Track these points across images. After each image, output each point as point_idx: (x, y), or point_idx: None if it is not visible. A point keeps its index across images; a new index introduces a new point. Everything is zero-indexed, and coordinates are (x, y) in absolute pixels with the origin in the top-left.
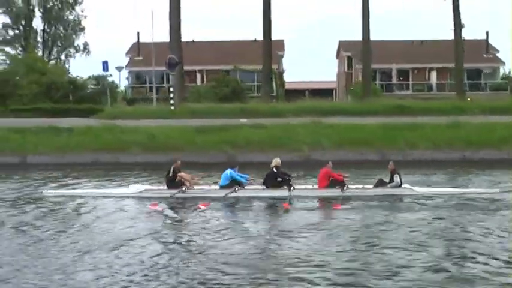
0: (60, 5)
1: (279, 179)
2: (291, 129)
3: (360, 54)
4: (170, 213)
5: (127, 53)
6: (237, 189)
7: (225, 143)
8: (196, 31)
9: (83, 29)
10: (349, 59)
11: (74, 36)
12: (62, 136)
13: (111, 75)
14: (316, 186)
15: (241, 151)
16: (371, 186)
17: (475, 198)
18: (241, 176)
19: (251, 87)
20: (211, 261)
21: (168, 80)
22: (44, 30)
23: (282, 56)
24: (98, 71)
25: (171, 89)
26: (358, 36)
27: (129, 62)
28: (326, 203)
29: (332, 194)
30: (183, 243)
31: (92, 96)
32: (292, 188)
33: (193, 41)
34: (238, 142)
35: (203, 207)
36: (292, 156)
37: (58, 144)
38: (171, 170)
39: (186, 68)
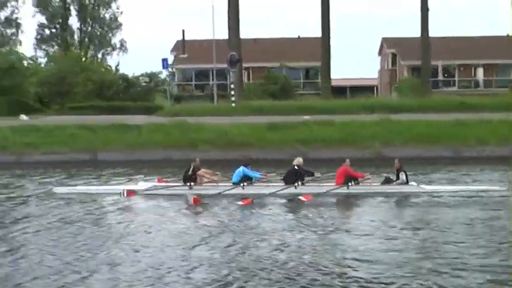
0: (95, 3)
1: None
2: (360, 126)
3: (405, 50)
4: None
5: (172, 50)
6: (243, 185)
7: (295, 140)
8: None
9: (119, 26)
10: (394, 55)
11: (110, 34)
12: (131, 133)
13: (173, 71)
14: (333, 183)
15: (311, 148)
16: (378, 184)
17: (485, 197)
18: (253, 174)
19: (298, 84)
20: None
21: (213, 78)
22: (80, 29)
23: None
24: (136, 68)
25: (232, 86)
26: (401, 34)
27: (174, 59)
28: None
29: (337, 191)
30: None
31: (144, 94)
32: (298, 184)
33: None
34: (308, 139)
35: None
36: (363, 153)
37: (128, 142)
38: (191, 169)
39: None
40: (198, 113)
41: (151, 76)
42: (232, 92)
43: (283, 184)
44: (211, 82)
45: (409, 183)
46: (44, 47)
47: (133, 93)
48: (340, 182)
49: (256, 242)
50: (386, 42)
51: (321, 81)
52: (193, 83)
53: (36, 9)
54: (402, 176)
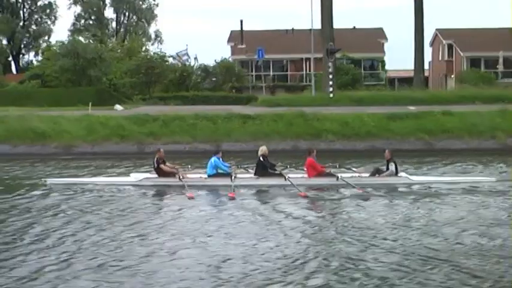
0: None
1: (270, 170)
2: (478, 116)
3: (463, 41)
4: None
5: (228, 41)
6: (233, 177)
7: (420, 130)
8: (295, 20)
9: (154, 18)
10: (450, 46)
11: (146, 25)
12: (252, 123)
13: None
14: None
15: (437, 138)
16: (367, 175)
17: (472, 187)
18: (224, 165)
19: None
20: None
21: (273, 69)
22: (116, 20)
23: (383, 44)
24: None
25: (330, 76)
26: (456, 24)
27: (232, 50)
28: (320, 192)
29: (326, 182)
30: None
31: (222, 83)
32: (286, 178)
33: (292, 30)
34: (433, 129)
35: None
36: (491, 143)
37: (250, 131)
38: (155, 160)
39: (294, 56)
40: (295, 103)
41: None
42: (331, 83)
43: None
44: (271, 73)
45: (398, 174)
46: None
47: (211, 83)
48: (312, 173)
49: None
50: (442, 33)
51: (415, 73)
52: (254, 73)
53: (71, 1)
54: (391, 167)
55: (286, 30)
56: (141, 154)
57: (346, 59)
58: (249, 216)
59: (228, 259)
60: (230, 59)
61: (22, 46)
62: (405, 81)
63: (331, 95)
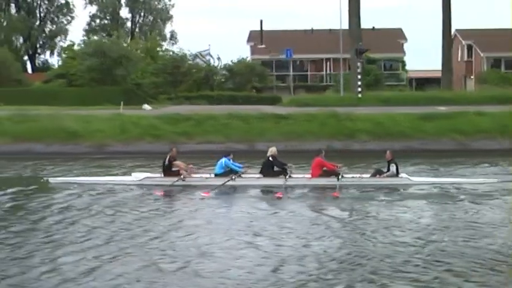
0: None
1: (275, 168)
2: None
3: (483, 42)
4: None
5: (248, 41)
6: (233, 177)
7: (454, 131)
8: (314, 20)
9: (170, 18)
10: (470, 47)
11: (161, 25)
12: (285, 123)
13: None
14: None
15: (471, 139)
16: (368, 176)
17: (471, 189)
18: (235, 165)
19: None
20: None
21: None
22: (131, 20)
23: (403, 44)
24: None
25: (359, 77)
26: (475, 25)
27: (252, 50)
28: (322, 192)
29: (328, 183)
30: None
31: (245, 83)
32: (288, 177)
33: (312, 30)
34: (467, 130)
35: (205, 195)
36: None
37: (283, 131)
38: (167, 159)
39: (314, 56)
40: (324, 103)
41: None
42: (359, 83)
43: (262, 176)
44: (291, 73)
45: (399, 175)
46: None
47: (234, 83)
48: (317, 173)
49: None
50: (461, 33)
51: (443, 73)
52: (274, 73)
53: (87, 1)
54: (392, 168)
55: (305, 30)
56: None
57: (366, 59)
58: (288, 215)
59: (284, 259)
60: (249, 59)
61: (38, 46)
62: (426, 81)
63: (360, 95)
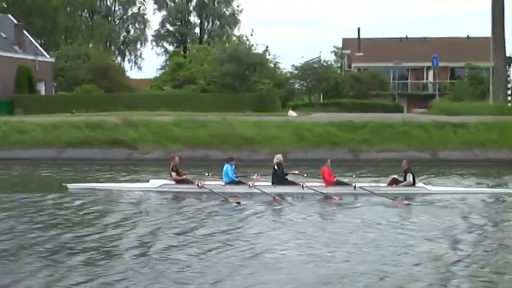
0: (216, 1)
1: (286, 176)
2: None
3: None
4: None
5: (343, 49)
6: (250, 184)
7: None
8: (408, 28)
9: (237, 23)
10: None
11: (229, 31)
12: (462, 131)
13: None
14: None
15: None
16: (385, 185)
17: (489, 198)
18: (233, 175)
19: None
20: None
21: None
22: (200, 26)
23: None
24: None
25: (509, 85)
26: None
27: (348, 58)
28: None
29: (343, 191)
30: None
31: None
32: (303, 186)
33: (406, 37)
34: None
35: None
36: None
37: (464, 140)
38: (171, 167)
39: (414, 64)
40: (475, 112)
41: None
42: (510, 92)
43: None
44: (393, 81)
45: (416, 185)
46: (162, 43)
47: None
48: (328, 182)
49: None
50: None
51: None
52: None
53: (156, 7)
54: (409, 178)
55: (400, 38)
56: (355, 162)
57: (469, 68)
58: (339, 224)
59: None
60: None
61: (117, 52)
62: None
63: (510, 104)
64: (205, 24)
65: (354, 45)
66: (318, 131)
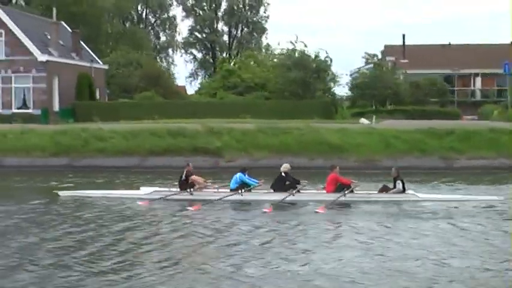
0: (245, 8)
1: (287, 182)
2: None
3: None
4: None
5: (387, 55)
6: (242, 191)
7: None
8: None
9: (265, 31)
10: None
11: (258, 38)
12: None
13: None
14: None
15: None
16: (375, 192)
17: (477, 206)
18: (251, 180)
19: None
20: None
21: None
22: (229, 33)
23: None
24: None
25: None
26: None
27: (393, 64)
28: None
29: (334, 198)
30: None
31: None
32: (295, 192)
33: (449, 44)
34: None
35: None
36: None
37: None
38: (184, 174)
39: (461, 71)
40: None
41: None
42: None
43: (273, 192)
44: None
45: (406, 192)
46: (191, 51)
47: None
48: (331, 189)
49: None
50: None
51: None
52: None
53: (184, 14)
54: (399, 185)
55: (443, 44)
56: (447, 169)
57: None
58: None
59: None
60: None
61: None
62: None
63: None
64: (234, 31)
65: (397, 52)
66: (405, 138)
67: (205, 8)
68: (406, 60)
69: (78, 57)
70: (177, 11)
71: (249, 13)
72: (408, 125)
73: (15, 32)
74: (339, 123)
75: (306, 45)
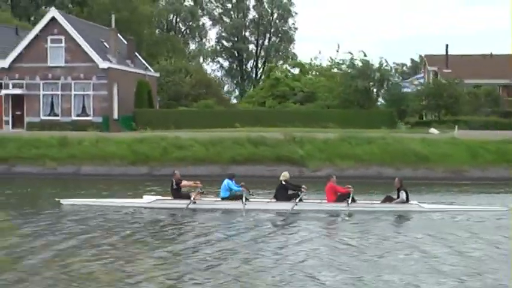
0: (272, 17)
1: (290, 192)
2: None
3: None
4: None
5: (430, 65)
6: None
7: None
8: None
9: (292, 41)
10: None
11: (287, 47)
12: None
13: None
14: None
15: None
16: (378, 202)
17: (481, 216)
18: (237, 187)
19: None
20: None
21: None
22: (256, 42)
23: None
24: None
25: None
26: None
27: (435, 74)
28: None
29: (338, 208)
30: None
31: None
32: (298, 200)
33: (491, 55)
34: None
35: None
36: None
37: None
38: (173, 182)
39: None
40: None
41: None
42: None
43: (275, 201)
44: None
45: (409, 202)
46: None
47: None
48: (332, 198)
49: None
50: None
51: None
52: None
53: (211, 23)
54: (402, 195)
55: (484, 55)
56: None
57: None
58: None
59: None
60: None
61: None
62: None
63: None
64: (261, 40)
65: (439, 62)
66: (491, 148)
67: (233, 16)
68: (449, 70)
69: (133, 65)
70: (205, 19)
71: (277, 21)
72: (485, 136)
73: (76, 39)
74: (410, 133)
75: (365, 55)
